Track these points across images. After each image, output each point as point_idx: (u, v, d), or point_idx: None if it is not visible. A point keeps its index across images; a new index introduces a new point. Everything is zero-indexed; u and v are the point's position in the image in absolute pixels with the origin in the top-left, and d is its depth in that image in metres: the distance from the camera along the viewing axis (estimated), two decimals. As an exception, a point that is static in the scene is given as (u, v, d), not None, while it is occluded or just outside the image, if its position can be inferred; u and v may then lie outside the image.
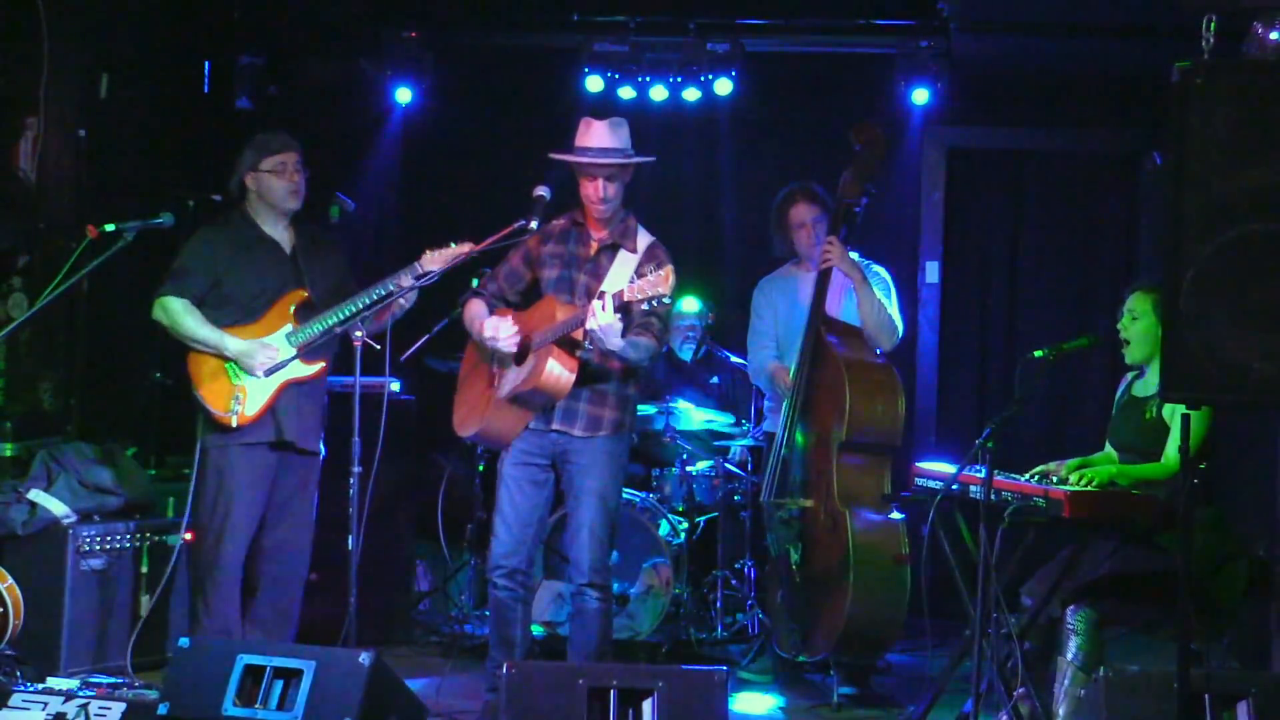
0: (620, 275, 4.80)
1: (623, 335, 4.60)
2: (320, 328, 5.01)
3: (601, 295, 4.51)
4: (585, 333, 4.59)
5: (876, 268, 5.60)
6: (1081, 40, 6.60)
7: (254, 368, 5.01)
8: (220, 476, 5.08)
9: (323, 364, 5.12)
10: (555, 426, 4.81)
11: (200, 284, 5.10)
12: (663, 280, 4.39)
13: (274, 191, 5.12)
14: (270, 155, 5.10)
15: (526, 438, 4.86)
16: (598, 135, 4.84)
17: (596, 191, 4.80)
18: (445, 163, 7.49)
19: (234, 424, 5.01)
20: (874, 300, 5.42)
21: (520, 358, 4.78)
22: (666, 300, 4.48)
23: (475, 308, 4.98)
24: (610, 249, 4.87)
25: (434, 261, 4.85)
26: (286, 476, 5.18)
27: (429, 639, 6.04)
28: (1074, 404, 7.12)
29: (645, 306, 4.50)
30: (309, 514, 5.26)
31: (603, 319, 4.48)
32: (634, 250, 4.86)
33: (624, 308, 4.55)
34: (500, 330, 4.80)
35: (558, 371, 4.66)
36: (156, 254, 5.49)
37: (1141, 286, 4.69)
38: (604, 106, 6.86)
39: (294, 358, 5.03)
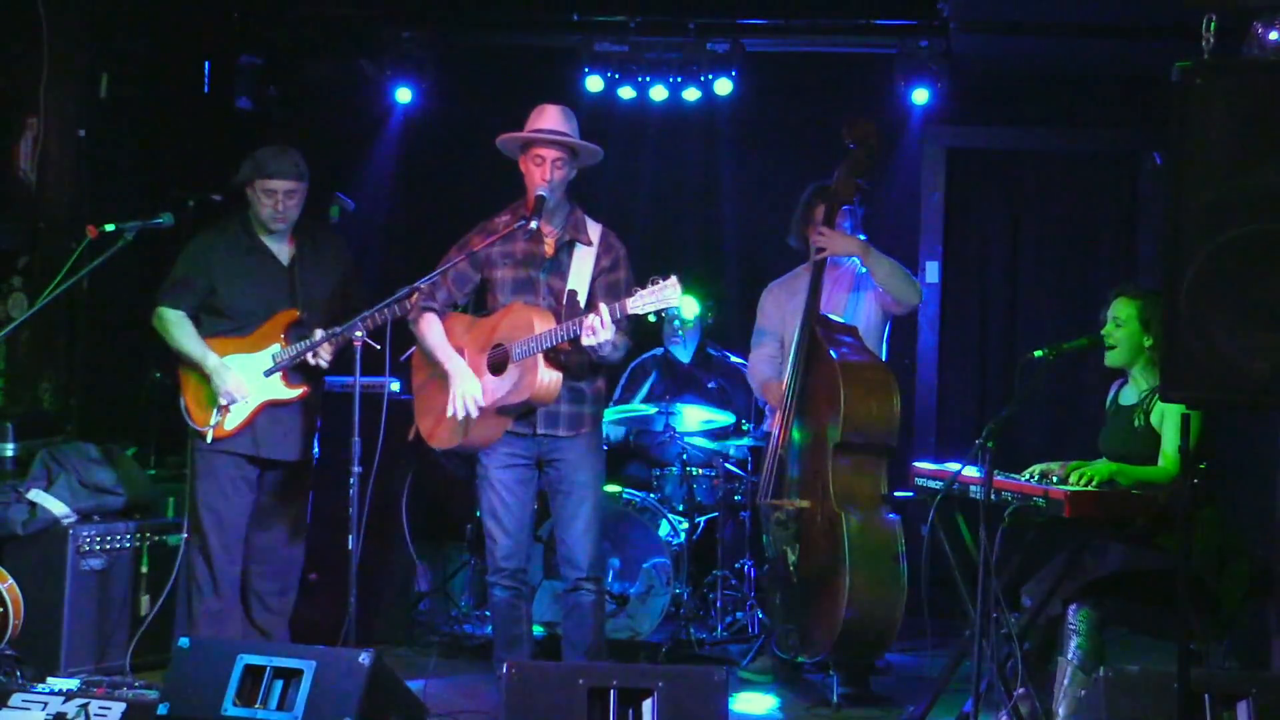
0: (582, 270, 4.84)
1: None
2: (295, 353, 5.04)
3: (597, 309, 4.55)
4: (571, 342, 4.61)
5: None
6: (1081, 40, 6.60)
7: (219, 393, 5.04)
8: (205, 479, 5.14)
9: (304, 389, 5.14)
10: (541, 431, 4.83)
11: (196, 294, 5.15)
12: (672, 290, 4.44)
13: (260, 211, 5.14)
14: (264, 179, 5.10)
15: (509, 440, 4.86)
16: (551, 118, 4.89)
17: (544, 174, 4.80)
18: (445, 163, 7.48)
19: (209, 438, 5.04)
20: (885, 262, 5.43)
21: (498, 368, 4.78)
22: (676, 309, 4.53)
23: (432, 327, 4.91)
24: (568, 245, 4.88)
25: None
26: (272, 482, 5.22)
27: (429, 639, 6.04)
28: (1074, 404, 7.11)
29: (652, 317, 4.54)
30: (300, 518, 5.29)
31: (603, 335, 4.54)
32: (589, 243, 4.90)
33: (620, 320, 4.59)
34: (475, 405, 4.75)
35: (548, 380, 4.71)
36: (156, 254, 5.50)
37: (1126, 292, 4.70)
38: (604, 106, 6.87)
39: (275, 369, 5.04)
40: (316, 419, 5.29)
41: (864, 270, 5.51)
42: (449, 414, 4.81)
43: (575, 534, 4.85)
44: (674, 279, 4.46)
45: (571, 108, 5.02)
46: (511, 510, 4.88)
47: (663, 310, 4.50)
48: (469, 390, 4.78)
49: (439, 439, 4.95)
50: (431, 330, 4.92)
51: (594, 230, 4.93)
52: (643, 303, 4.49)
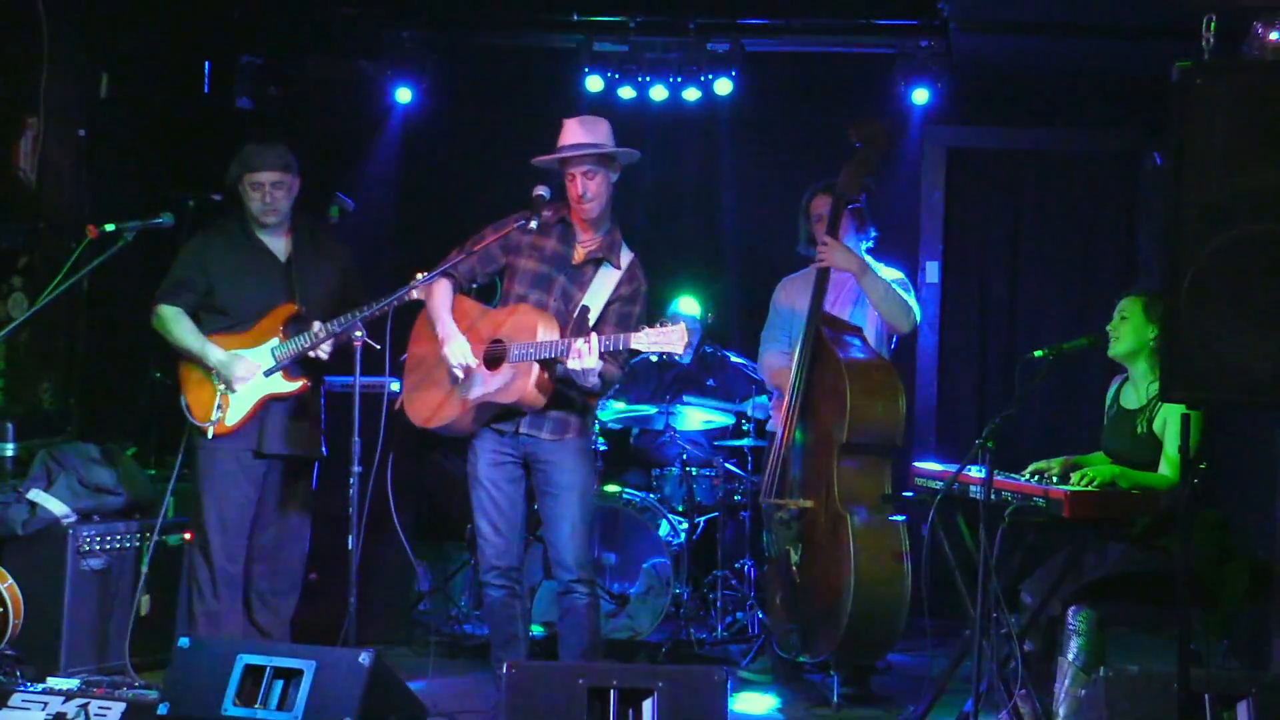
0: (601, 290, 4.82)
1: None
2: (295, 348, 5.03)
3: (588, 337, 4.55)
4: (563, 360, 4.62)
5: (891, 271, 5.60)
6: (1081, 40, 6.59)
7: (232, 381, 5.04)
8: (205, 477, 5.14)
9: (304, 381, 5.14)
10: (523, 431, 4.82)
11: (194, 294, 5.16)
12: (679, 338, 4.44)
13: (250, 206, 5.15)
14: (250, 172, 5.12)
15: (494, 438, 4.85)
16: (571, 133, 4.86)
17: (576, 189, 4.79)
18: (445, 163, 7.48)
19: (209, 434, 5.05)
20: (880, 285, 5.42)
21: (493, 363, 4.79)
22: (678, 357, 4.53)
23: (442, 291, 4.89)
24: (596, 261, 4.86)
25: (421, 284, 4.83)
26: (276, 480, 5.22)
27: (429, 639, 6.04)
28: (1074, 404, 7.11)
29: (654, 357, 4.53)
30: (303, 516, 5.29)
31: (587, 362, 4.54)
32: (617, 266, 4.87)
33: (613, 354, 4.60)
34: (461, 358, 4.74)
35: (537, 390, 4.70)
36: (156, 254, 5.50)
37: (1133, 291, 4.73)
38: (604, 106, 6.87)
39: (276, 369, 5.05)
40: (320, 415, 5.28)
41: None
42: (444, 381, 4.79)
43: (562, 537, 4.84)
44: (682, 326, 4.46)
45: (571, 108, 5.01)
46: (501, 509, 4.87)
47: (665, 354, 4.50)
48: (456, 350, 4.74)
49: (420, 415, 4.93)
50: (441, 294, 4.89)
51: (625, 256, 4.90)
52: (647, 341, 4.48)
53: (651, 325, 4.51)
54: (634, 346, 4.52)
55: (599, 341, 4.54)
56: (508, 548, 4.89)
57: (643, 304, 4.89)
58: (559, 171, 4.88)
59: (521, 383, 4.68)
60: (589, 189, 4.79)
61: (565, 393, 4.81)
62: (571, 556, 4.83)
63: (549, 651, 5.46)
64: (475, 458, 4.89)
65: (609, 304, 4.83)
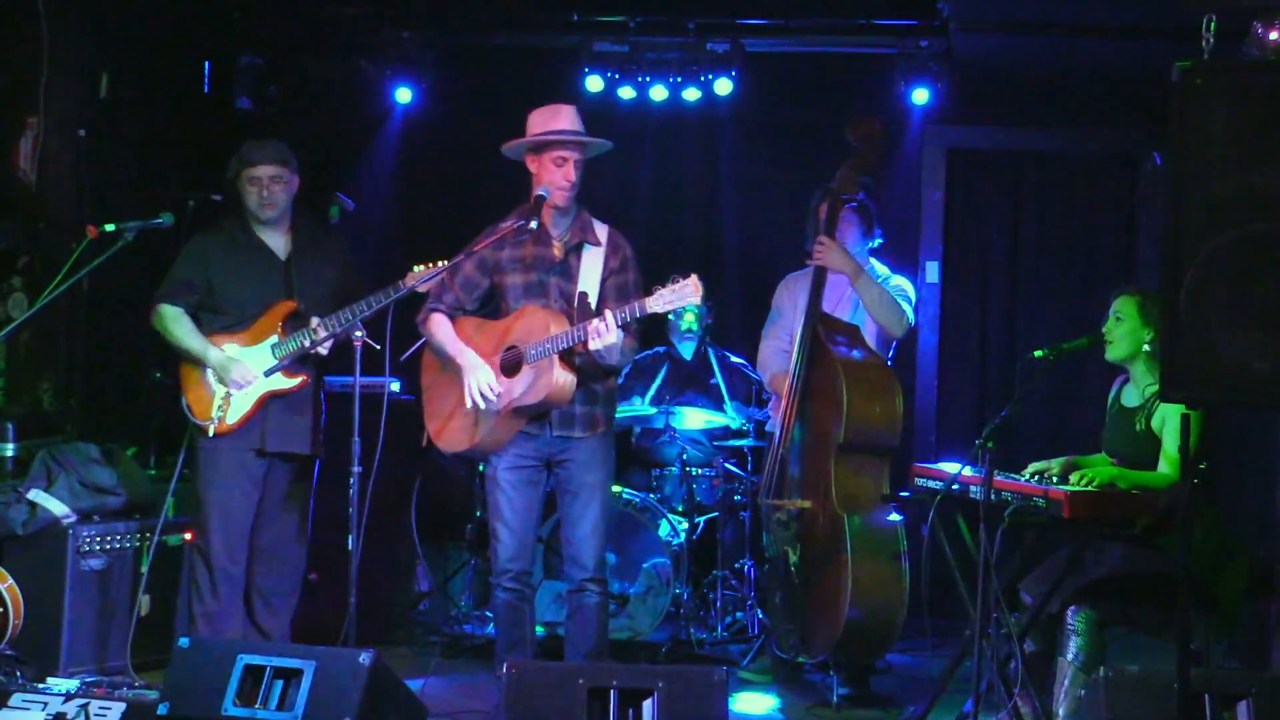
0: (592, 271, 4.84)
1: None
2: (294, 346, 5.03)
3: (603, 313, 4.56)
4: (584, 343, 4.62)
5: (897, 279, 5.60)
6: (1081, 40, 6.59)
7: (228, 382, 5.05)
8: (207, 477, 5.15)
9: (304, 377, 5.14)
10: (556, 433, 4.83)
11: (194, 293, 5.17)
12: (693, 290, 4.46)
13: (248, 202, 5.15)
14: (247, 167, 5.13)
15: (520, 441, 4.85)
16: (567, 118, 4.88)
17: (568, 175, 4.80)
18: (445, 163, 7.48)
19: (210, 433, 5.06)
20: (874, 289, 5.42)
21: (512, 369, 4.78)
22: (697, 306, 4.53)
23: (441, 326, 4.91)
24: (576, 248, 4.87)
25: (418, 278, 4.84)
26: (277, 479, 5.22)
27: (429, 639, 6.05)
28: (1074, 404, 7.11)
29: (672, 316, 4.54)
30: (304, 516, 5.29)
31: (608, 339, 4.56)
32: (597, 243, 4.89)
33: (627, 324, 4.60)
34: (491, 392, 4.75)
35: (564, 381, 4.71)
36: (156, 254, 5.50)
37: (1127, 290, 4.72)
38: (604, 106, 6.87)
39: (277, 368, 5.06)
40: (322, 413, 5.28)
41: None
42: (467, 405, 4.80)
43: (582, 534, 4.85)
44: (694, 278, 4.49)
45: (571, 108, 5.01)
46: (518, 511, 4.88)
47: (680, 308, 4.51)
48: (482, 379, 4.77)
49: (449, 441, 4.94)
50: (440, 328, 4.91)
51: (601, 231, 4.93)
52: (662, 301, 4.51)
53: (662, 285, 4.52)
54: (651, 310, 4.55)
55: (615, 316, 4.56)
56: (521, 550, 4.90)
57: (634, 269, 4.91)
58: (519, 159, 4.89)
59: (546, 379, 4.69)
60: (576, 176, 4.82)
61: (588, 386, 4.82)
62: (589, 556, 4.84)
63: (550, 652, 5.46)
64: (496, 459, 4.89)
65: (604, 281, 4.85)
